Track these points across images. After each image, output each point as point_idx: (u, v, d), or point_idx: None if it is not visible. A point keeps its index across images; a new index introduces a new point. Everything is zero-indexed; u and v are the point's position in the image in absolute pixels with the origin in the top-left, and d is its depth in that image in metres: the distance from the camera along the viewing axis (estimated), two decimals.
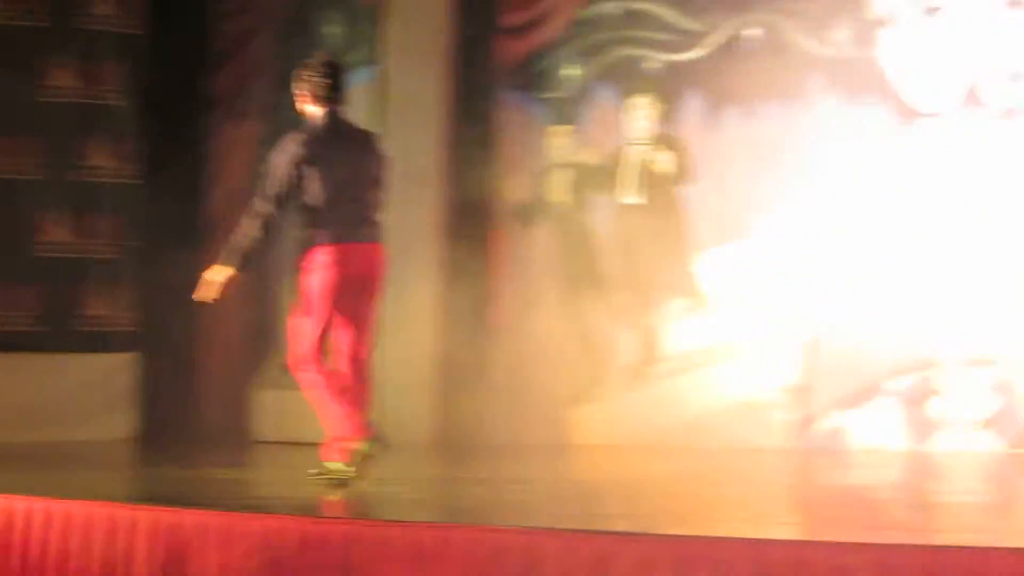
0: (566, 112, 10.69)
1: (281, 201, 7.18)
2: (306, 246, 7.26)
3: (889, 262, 9.51)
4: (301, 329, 7.27)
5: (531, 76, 10.85)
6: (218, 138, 11.35)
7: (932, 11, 9.53)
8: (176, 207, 10.64)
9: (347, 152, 7.30)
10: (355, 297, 7.24)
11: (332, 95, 7.34)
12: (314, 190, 7.17)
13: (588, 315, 10.22)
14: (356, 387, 7.27)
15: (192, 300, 7.49)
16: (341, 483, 7.09)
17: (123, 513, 6.28)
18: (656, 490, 7.53)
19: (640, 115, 10.17)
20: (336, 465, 7.16)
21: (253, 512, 6.22)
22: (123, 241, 10.91)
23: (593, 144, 10.45)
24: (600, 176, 10.33)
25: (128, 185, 10.94)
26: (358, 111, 10.66)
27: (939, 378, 9.32)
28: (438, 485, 8.39)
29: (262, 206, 7.18)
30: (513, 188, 10.78)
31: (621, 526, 6.05)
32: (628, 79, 10.29)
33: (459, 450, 9.90)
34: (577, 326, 10.21)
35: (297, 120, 7.60)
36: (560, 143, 10.69)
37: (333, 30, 11.10)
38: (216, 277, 7.17)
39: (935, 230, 9.39)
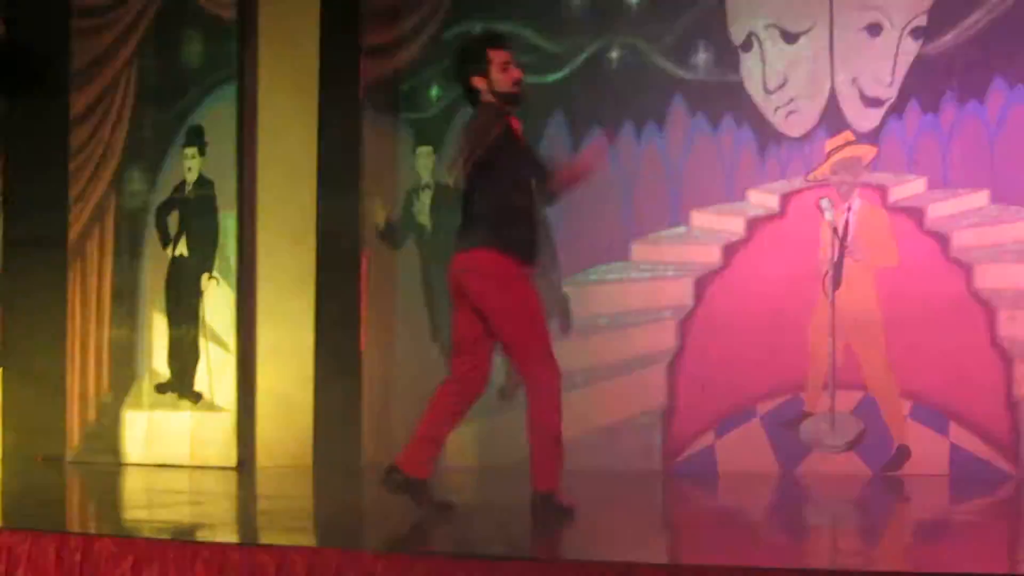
0: (432, 132, 10.69)
1: None
2: None
3: (755, 285, 9.62)
4: None
5: (397, 97, 10.83)
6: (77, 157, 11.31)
7: (791, 36, 9.66)
8: (40, 225, 10.64)
9: None
10: (455, 314, 6.86)
11: None
12: None
13: None
14: (438, 415, 6.82)
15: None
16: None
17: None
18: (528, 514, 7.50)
19: None
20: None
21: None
22: None
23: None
24: None
25: None
26: (222, 129, 10.66)
27: (809, 402, 9.44)
28: (311, 507, 8.31)
29: None
30: (380, 209, 10.75)
31: (493, 550, 6.03)
32: None
33: (332, 472, 9.84)
34: (444, 348, 10.18)
35: None
36: (426, 163, 10.68)
37: (195, 47, 10.98)
38: None
39: (803, 254, 9.51)
